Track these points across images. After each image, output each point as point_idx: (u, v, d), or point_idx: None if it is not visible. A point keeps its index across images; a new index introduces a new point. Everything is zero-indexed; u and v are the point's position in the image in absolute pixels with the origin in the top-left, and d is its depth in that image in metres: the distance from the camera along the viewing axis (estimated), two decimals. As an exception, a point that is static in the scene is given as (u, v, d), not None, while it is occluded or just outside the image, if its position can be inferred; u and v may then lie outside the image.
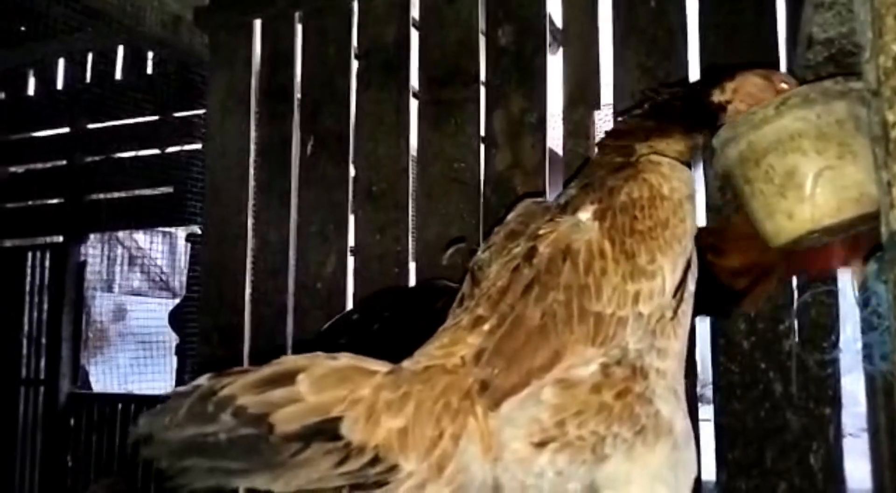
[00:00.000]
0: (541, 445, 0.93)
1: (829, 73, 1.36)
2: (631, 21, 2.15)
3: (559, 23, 2.27)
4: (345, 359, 0.91)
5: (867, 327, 0.88)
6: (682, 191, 1.12)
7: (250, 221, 2.55)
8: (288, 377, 0.86)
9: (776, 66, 1.97)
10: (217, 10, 2.64)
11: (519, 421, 0.93)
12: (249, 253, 2.54)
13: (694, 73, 2.10)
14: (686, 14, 2.12)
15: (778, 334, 1.94)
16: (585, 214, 1.06)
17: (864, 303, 0.88)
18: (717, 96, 1.31)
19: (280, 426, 0.83)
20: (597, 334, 0.97)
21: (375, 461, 0.86)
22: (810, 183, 1.22)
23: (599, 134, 2.26)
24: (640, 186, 1.08)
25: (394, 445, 0.87)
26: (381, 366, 0.93)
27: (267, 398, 0.83)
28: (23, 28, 3.80)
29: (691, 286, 1.12)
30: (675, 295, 1.06)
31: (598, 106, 2.19)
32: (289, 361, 0.89)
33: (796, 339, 1.90)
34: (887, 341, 0.82)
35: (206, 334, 2.57)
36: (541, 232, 1.06)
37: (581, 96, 2.18)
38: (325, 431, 0.85)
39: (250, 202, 2.56)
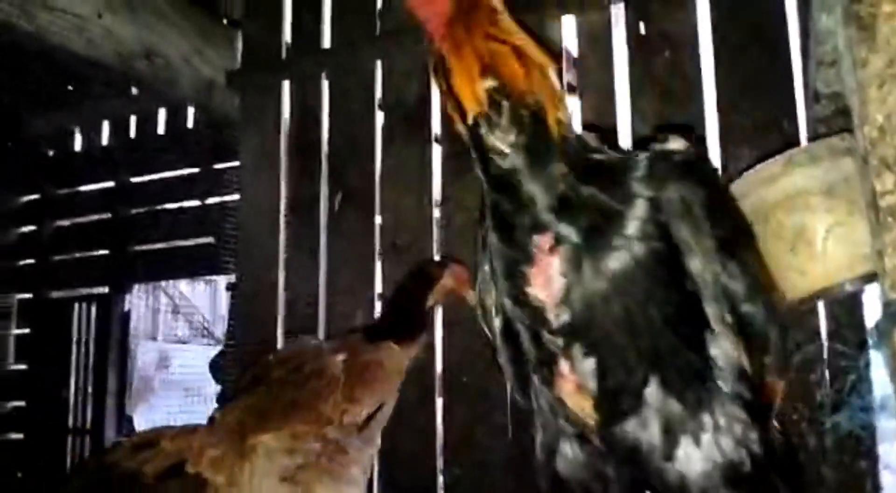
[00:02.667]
0: (283, 479, 1.53)
1: (840, 128, 1.37)
2: (646, 71, 2.18)
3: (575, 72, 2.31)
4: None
5: (869, 388, 0.87)
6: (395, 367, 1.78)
7: (281, 276, 2.61)
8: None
9: (793, 114, 1.97)
10: (247, 72, 2.75)
11: (273, 462, 1.54)
12: (281, 307, 2.59)
13: (711, 122, 2.11)
14: (701, 63, 2.14)
15: (809, 386, 1.90)
16: (340, 357, 1.73)
17: (867, 365, 0.87)
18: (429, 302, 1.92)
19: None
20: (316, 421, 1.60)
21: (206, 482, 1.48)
22: (820, 240, 1.22)
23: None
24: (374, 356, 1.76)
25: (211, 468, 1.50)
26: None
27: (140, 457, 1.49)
28: (70, 88, 4.01)
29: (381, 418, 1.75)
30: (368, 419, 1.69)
31: (616, 156, 2.20)
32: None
33: (828, 390, 1.86)
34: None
35: (239, 388, 2.62)
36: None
37: (600, 147, 2.21)
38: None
39: (281, 257, 2.62)
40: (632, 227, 1.04)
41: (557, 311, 1.06)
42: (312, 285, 2.55)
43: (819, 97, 1.37)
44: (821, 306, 1.76)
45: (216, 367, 4.66)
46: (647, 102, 2.17)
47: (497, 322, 1.24)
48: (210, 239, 4.78)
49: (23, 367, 5.30)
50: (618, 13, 2.26)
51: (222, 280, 5.72)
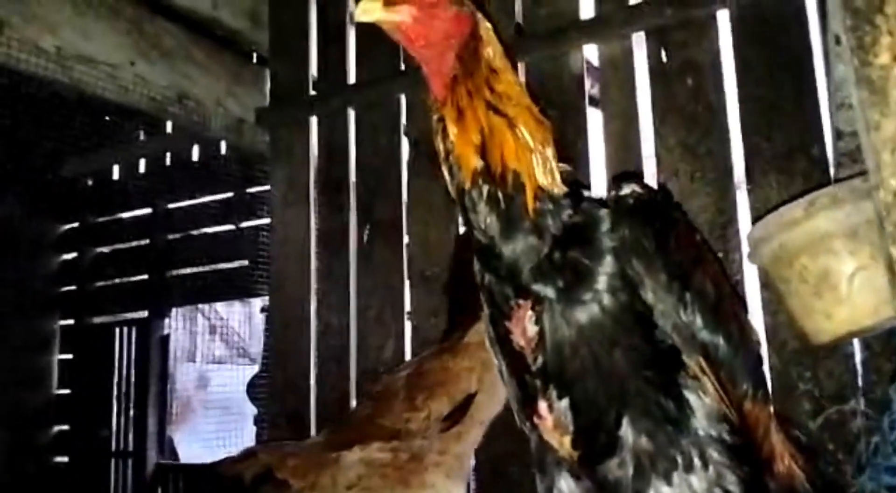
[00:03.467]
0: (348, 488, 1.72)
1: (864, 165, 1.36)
2: (669, 99, 2.18)
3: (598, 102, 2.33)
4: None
5: (892, 451, 0.87)
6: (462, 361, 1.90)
7: (313, 308, 2.66)
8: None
9: (820, 139, 1.95)
10: (276, 110, 2.81)
11: (350, 472, 1.72)
12: (313, 338, 2.64)
13: (736, 149, 2.10)
14: (725, 90, 2.13)
15: (844, 414, 1.88)
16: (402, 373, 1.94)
17: (890, 426, 0.87)
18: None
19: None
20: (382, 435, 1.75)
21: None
22: (845, 284, 1.22)
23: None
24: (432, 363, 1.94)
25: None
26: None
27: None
28: (107, 117, 4.14)
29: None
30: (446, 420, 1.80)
31: (641, 185, 2.21)
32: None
33: (863, 419, 1.84)
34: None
35: (274, 419, 2.68)
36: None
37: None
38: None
39: (312, 289, 2.67)
40: (601, 281, 1.11)
41: (534, 355, 1.15)
42: (343, 315, 2.59)
43: (841, 134, 1.36)
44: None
45: (253, 388, 4.74)
46: (670, 130, 2.17)
47: (496, 362, 1.32)
48: (245, 262, 4.88)
49: (66, 392, 5.43)
50: (639, 41, 2.27)
51: (257, 302, 5.82)
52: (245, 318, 7.08)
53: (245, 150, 2.90)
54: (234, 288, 5.13)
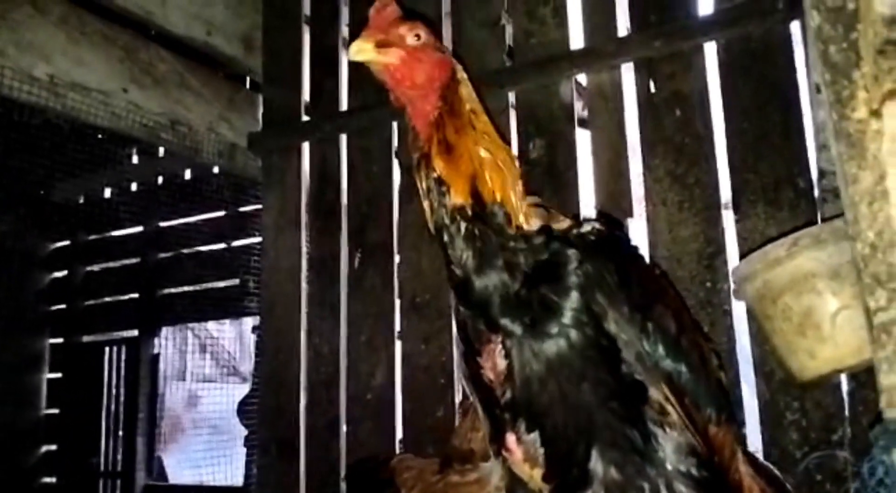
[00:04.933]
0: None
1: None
2: (657, 129, 2.21)
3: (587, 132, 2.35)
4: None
5: (874, 500, 0.88)
6: None
7: (303, 334, 2.66)
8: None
9: (806, 170, 1.98)
10: (269, 136, 2.83)
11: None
12: (304, 364, 2.63)
13: (724, 180, 2.13)
14: (712, 121, 2.16)
15: (831, 444, 1.90)
16: None
17: (869, 472, 0.88)
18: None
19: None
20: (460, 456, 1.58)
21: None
22: (828, 323, 1.23)
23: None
24: None
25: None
26: None
27: None
28: (101, 135, 4.14)
29: None
30: None
31: (630, 214, 2.23)
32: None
33: (849, 449, 1.85)
34: (896, 519, 0.83)
35: (265, 445, 2.67)
36: None
37: (613, 205, 2.23)
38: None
39: (303, 314, 2.67)
40: (568, 316, 1.14)
41: (503, 389, 1.18)
42: (334, 341, 2.59)
43: (825, 173, 1.39)
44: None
45: (244, 408, 4.72)
46: (659, 160, 2.20)
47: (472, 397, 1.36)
48: (236, 281, 4.87)
49: (55, 411, 5.39)
50: (628, 72, 2.30)
51: (249, 320, 5.80)
52: (236, 336, 7.06)
53: (237, 174, 2.91)
54: (224, 307, 5.12)
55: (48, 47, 2.12)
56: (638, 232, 2.30)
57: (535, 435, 1.17)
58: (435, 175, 1.18)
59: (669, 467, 1.12)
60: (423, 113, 1.23)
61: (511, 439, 1.20)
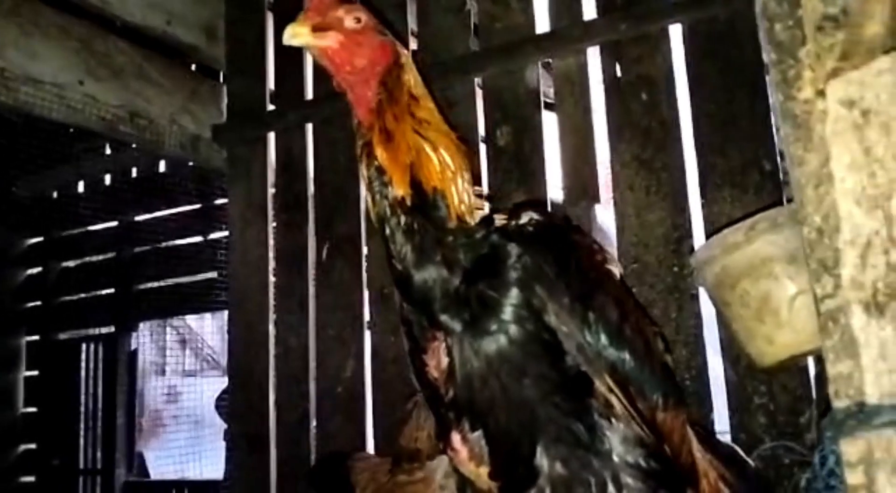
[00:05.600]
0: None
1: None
2: (624, 113, 2.18)
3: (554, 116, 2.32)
4: None
5: (823, 487, 0.86)
6: None
7: (272, 328, 2.62)
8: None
9: (773, 154, 1.96)
10: (233, 126, 2.77)
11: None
12: (272, 358, 2.60)
13: (690, 163, 2.11)
14: (678, 105, 2.14)
15: (799, 427, 1.89)
16: None
17: (821, 462, 0.87)
18: None
19: None
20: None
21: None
22: (786, 309, 1.22)
23: (601, 227, 2.29)
24: None
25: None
26: None
27: None
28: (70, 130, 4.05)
29: None
30: None
31: (597, 199, 2.21)
32: None
33: (817, 432, 1.85)
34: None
35: (236, 441, 2.63)
36: None
37: (581, 191, 2.21)
38: None
39: (271, 309, 2.63)
40: (507, 312, 1.12)
41: (446, 387, 1.16)
42: (302, 334, 2.56)
43: (783, 155, 1.36)
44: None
45: (221, 403, 4.69)
46: (626, 144, 2.17)
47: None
48: (213, 274, 4.82)
49: (32, 410, 5.33)
50: (593, 56, 2.27)
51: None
52: (216, 329, 7.01)
53: (202, 166, 2.85)
54: (202, 301, 5.07)
55: (-1, 41, 2.06)
56: (606, 218, 2.29)
57: (479, 434, 1.15)
58: (376, 164, 1.14)
59: (616, 459, 1.10)
60: (364, 99, 1.19)
61: (456, 438, 1.18)
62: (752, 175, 1.99)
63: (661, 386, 1.16)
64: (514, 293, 1.12)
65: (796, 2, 0.85)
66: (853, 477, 0.81)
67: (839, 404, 0.81)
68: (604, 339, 1.11)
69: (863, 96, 0.73)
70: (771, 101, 1.93)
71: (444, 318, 1.13)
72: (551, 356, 1.12)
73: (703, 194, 2.07)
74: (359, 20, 1.19)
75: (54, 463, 5.09)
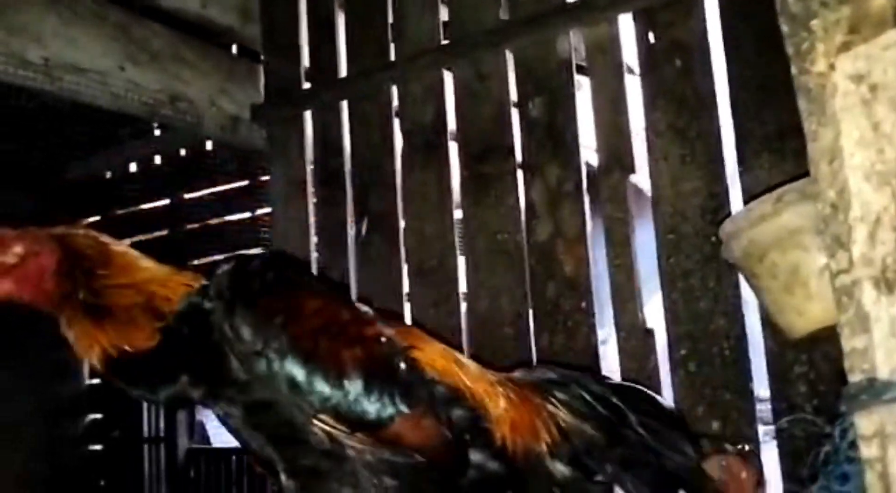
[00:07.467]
0: None
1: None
2: (658, 81, 2.14)
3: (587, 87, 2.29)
4: None
5: (844, 460, 0.86)
6: None
7: (315, 302, 2.68)
8: None
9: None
10: (271, 105, 2.82)
11: None
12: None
13: (727, 130, 2.06)
14: (713, 72, 2.09)
15: (840, 396, 1.86)
16: None
17: (840, 435, 0.86)
18: None
19: None
20: None
21: None
22: (815, 280, 1.20)
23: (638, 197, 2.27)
24: None
25: None
26: None
27: None
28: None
29: None
30: None
31: (632, 170, 2.18)
32: None
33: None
34: (861, 481, 0.81)
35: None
36: None
37: (615, 161, 2.19)
38: None
39: (314, 284, 2.69)
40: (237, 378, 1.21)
41: None
42: (345, 309, 2.61)
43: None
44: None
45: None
46: (660, 114, 2.14)
47: None
48: (259, 250, 4.93)
49: (97, 382, 5.57)
50: (626, 23, 2.23)
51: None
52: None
53: (241, 147, 2.91)
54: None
55: (40, 30, 2.12)
56: (642, 188, 2.26)
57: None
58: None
59: (366, 485, 1.16)
60: (47, 300, 1.25)
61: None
62: (791, 141, 1.94)
63: (399, 399, 1.18)
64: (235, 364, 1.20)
65: (808, -28, 0.84)
66: (868, 450, 0.81)
67: (853, 378, 0.82)
68: (319, 386, 1.15)
69: (870, 71, 0.72)
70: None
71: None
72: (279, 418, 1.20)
73: (740, 162, 2.03)
74: (17, 253, 1.22)
75: (116, 434, 5.32)
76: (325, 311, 1.25)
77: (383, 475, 1.16)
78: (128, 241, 4.88)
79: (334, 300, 1.32)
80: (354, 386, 1.15)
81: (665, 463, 1.27)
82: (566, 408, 1.28)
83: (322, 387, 1.14)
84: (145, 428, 5.57)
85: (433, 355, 1.27)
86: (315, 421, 1.15)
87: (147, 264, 1.28)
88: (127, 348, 1.19)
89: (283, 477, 1.21)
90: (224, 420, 1.29)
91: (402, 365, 1.22)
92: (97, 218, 5.64)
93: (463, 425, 1.22)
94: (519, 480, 1.26)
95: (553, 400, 1.30)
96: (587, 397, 1.30)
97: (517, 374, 1.42)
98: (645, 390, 1.43)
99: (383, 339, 1.24)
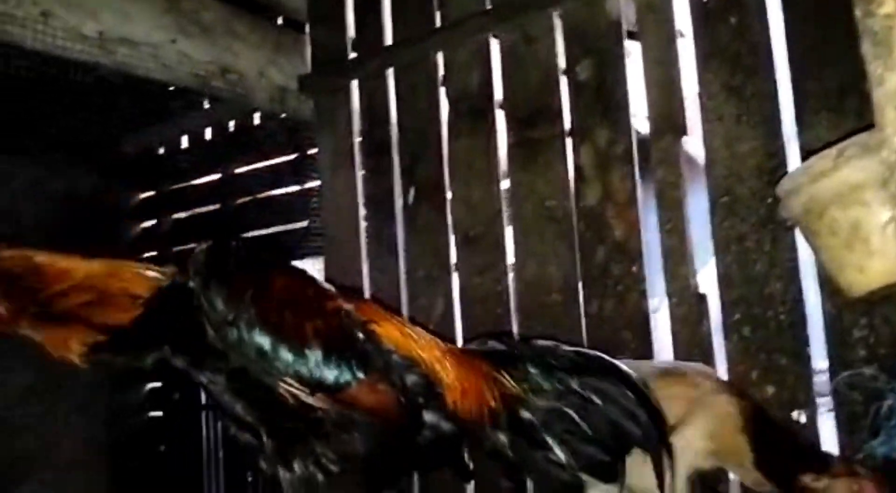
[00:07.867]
0: None
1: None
2: (712, 40, 2.09)
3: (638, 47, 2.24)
4: None
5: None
6: None
7: (365, 270, 2.72)
8: None
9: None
10: (318, 75, 2.83)
11: None
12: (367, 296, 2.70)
13: (784, 89, 2.00)
14: (769, 28, 2.02)
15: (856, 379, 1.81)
16: None
17: (893, 390, 0.84)
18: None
19: None
20: None
21: None
22: (877, 236, 1.16)
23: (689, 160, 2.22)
24: None
25: None
26: None
27: None
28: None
29: None
30: None
31: (684, 132, 2.14)
32: None
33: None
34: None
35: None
36: None
37: (667, 124, 2.15)
38: None
39: (363, 252, 2.72)
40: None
41: None
42: (393, 276, 2.64)
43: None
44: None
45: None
46: (714, 73, 2.08)
47: None
48: (304, 223, 4.98)
49: (157, 352, 5.74)
50: (678, -19, 2.17)
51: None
52: (315, 274, 7.21)
53: (290, 118, 2.93)
54: (297, 249, 5.26)
55: (94, 4, 2.17)
56: (694, 150, 2.21)
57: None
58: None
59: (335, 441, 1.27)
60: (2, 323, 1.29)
61: None
62: (851, 98, 1.87)
63: (354, 366, 1.26)
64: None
65: None
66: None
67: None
68: (288, 357, 1.24)
69: (942, 7, 0.68)
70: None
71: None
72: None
73: (798, 121, 1.97)
74: None
75: (175, 398, 5.48)
76: (291, 287, 1.36)
77: (350, 432, 1.27)
78: (183, 214, 4.99)
79: (301, 279, 1.42)
80: (315, 354, 1.24)
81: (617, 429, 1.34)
82: (511, 378, 1.37)
83: (286, 355, 1.24)
84: (203, 395, 5.72)
85: (390, 328, 1.37)
86: (281, 384, 1.25)
87: (77, 263, 1.34)
88: (109, 323, 1.28)
89: (263, 438, 1.29)
90: (208, 388, 1.36)
91: (361, 336, 1.31)
92: (152, 193, 5.78)
93: (417, 390, 1.32)
94: (469, 442, 1.38)
95: (501, 371, 1.39)
96: (533, 369, 1.39)
97: (471, 346, 1.52)
98: (608, 359, 1.44)
99: (343, 313, 1.33)
